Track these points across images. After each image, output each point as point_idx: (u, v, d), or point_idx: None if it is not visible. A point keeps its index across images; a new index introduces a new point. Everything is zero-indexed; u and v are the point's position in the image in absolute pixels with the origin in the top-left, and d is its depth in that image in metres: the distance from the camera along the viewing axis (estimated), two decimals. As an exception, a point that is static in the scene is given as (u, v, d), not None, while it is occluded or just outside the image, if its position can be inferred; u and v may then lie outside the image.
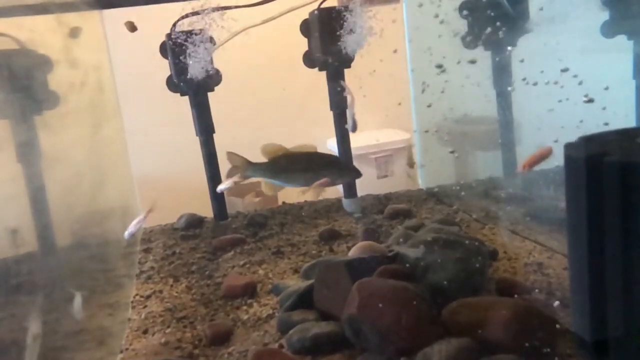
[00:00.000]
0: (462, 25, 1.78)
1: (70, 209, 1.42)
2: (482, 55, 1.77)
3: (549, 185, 1.58)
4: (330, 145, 3.58)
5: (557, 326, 0.94)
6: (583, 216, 0.66)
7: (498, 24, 1.64)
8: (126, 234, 1.13)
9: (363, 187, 2.02)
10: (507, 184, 1.77)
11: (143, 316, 1.30)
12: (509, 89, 1.72)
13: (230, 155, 1.38)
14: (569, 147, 0.68)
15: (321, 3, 1.80)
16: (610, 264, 0.65)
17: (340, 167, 1.29)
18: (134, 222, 1.15)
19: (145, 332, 1.23)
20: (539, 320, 0.95)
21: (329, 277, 1.16)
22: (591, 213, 0.65)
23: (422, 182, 2.24)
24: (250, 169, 1.34)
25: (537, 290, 1.12)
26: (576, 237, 0.68)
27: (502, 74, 1.76)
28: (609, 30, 1.50)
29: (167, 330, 1.22)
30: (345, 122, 1.92)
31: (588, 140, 0.70)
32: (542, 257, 1.28)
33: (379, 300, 0.97)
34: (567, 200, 0.69)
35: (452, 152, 1.67)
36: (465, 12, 1.80)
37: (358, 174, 1.34)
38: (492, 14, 1.66)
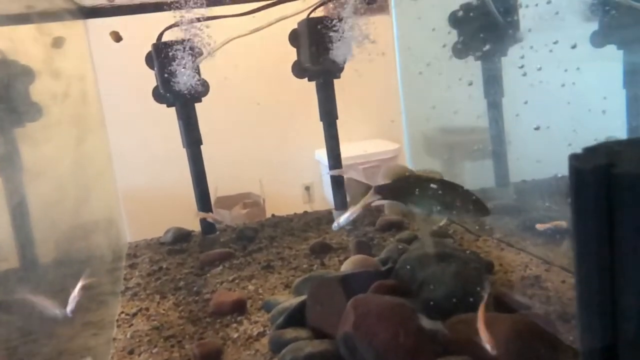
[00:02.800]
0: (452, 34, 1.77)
1: (53, 223, 1.37)
2: (473, 65, 1.76)
3: (543, 195, 1.56)
4: (318, 156, 3.56)
5: (559, 343, 0.92)
6: (590, 230, 0.63)
7: (488, 33, 1.63)
8: (68, 310, 1.08)
9: (352, 198, 1.99)
10: (500, 195, 1.75)
11: (129, 335, 1.26)
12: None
13: (351, 182, 1.26)
14: (574, 158, 0.65)
15: (310, 13, 1.78)
16: (619, 279, 0.62)
17: (473, 201, 1.08)
18: (72, 297, 1.09)
19: (131, 352, 1.18)
20: (540, 337, 0.92)
21: (322, 293, 1.13)
22: (599, 227, 0.62)
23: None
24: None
25: (536, 305, 1.09)
26: (583, 251, 0.65)
27: (492, 83, 1.75)
28: (598, 40, 1.50)
29: (154, 350, 1.17)
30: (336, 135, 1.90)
31: (593, 151, 0.67)
32: (539, 269, 1.26)
33: (375, 317, 0.93)
34: (573, 213, 0.66)
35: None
36: (455, 22, 1.80)
37: (487, 212, 1.12)
38: (482, 23, 1.65)
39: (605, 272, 0.63)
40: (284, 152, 3.62)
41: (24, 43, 1.48)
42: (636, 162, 0.62)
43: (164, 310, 1.38)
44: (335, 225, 1.31)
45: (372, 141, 3.71)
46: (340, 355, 0.97)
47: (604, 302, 0.64)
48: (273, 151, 3.56)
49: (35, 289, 1.15)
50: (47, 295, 1.13)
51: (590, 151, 0.68)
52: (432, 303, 1.04)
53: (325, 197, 3.66)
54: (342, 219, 1.25)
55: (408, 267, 1.14)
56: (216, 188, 2.94)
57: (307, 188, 3.80)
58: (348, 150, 2.87)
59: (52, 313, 1.02)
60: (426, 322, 0.90)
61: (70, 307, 1.07)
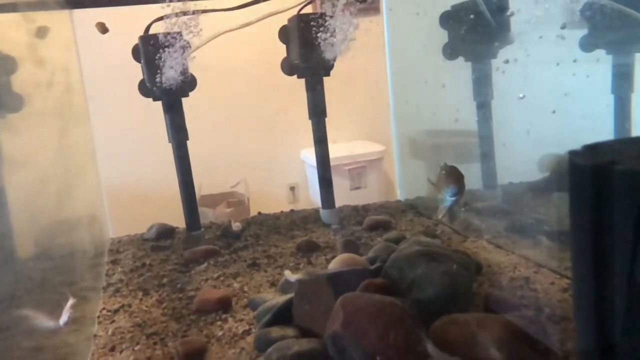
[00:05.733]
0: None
1: (33, 217, 1.33)
2: (463, 66, 1.76)
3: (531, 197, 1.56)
4: (304, 156, 3.54)
5: (543, 347, 0.91)
6: (590, 229, 0.62)
7: (479, 34, 1.63)
8: (61, 322, 1.08)
9: (336, 198, 1.97)
10: (488, 196, 1.75)
11: (110, 332, 1.22)
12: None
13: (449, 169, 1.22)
14: (574, 154, 0.64)
15: (301, 9, 1.76)
16: (618, 278, 0.61)
17: None
18: (65, 309, 1.10)
19: (112, 349, 1.15)
20: (531, 338, 0.91)
21: (309, 291, 1.11)
22: (599, 225, 0.61)
23: (400, 193, 2.21)
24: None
25: (525, 306, 1.09)
26: (581, 251, 0.64)
27: (482, 85, 1.74)
28: (587, 44, 1.50)
29: (136, 347, 1.14)
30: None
31: (593, 149, 0.66)
32: (528, 271, 1.25)
33: (365, 316, 0.91)
34: (572, 212, 0.65)
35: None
36: (446, 23, 1.79)
37: None
38: (473, 24, 1.65)
39: (604, 271, 0.62)
40: (269, 151, 3.60)
41: (6, 32, 1.44)
42: (637, 159, 0.61)
43: (146, 307, 1.35)
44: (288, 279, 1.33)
45: (358, 142, 3.70)
46: (328, 354, 0.95)
47: (602, 301, 0.63)
48: (258, 150, 3.54)
49: (13, 283, 1.12)
50: (27, 290, 1.10)
51: (590, 149, 0.67)
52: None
53: (310, 197, 3.64)
54: (293, 278, 1.30)
55: (397, 266, 1.13)
56: (200, 186, 2.91)
57: (292, 188, 3.78)
58: (333, 150, 2.88)
59: (46, 325, 1.03)
60: (434, 352, 0.87)
61: (63, 319, 1.07)
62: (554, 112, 1.24)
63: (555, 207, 1.32)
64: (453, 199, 1.18)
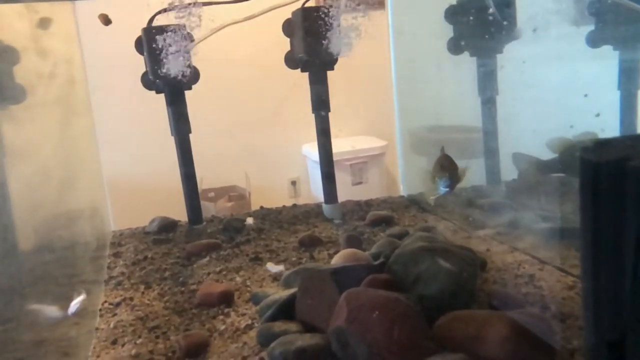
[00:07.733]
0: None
1: (35, 208, 1.33)
2: (468, 62, 1.74)
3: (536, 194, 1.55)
4: (305, 151, 3.54)
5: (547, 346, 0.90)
6: (601, 226, 0.61)
7: (485, 29, 1.62)
8: (70, 312, 1.10)
9: (337, 193, 1.96)
10: (491, 193, 1.74)
11: (112, 325, 1.22)
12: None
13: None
14: (585, 150, 0.63)
15: (305, 2, 1.75)
16: (629, 277, 0.60)
17: None
18: (74, 302, 1.14)
19: (114, 342, 1.14)
20: (536, 336, 0.90)
21: (313, 286, 1.10)
22: (610, 222, 0.61)
23: (403, 189, 2.20)
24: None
25: (530, 304, 1.08)
26: (592, 248, 0.63)
27: (487, 80, 1.73)
28: (594, 39, 1.49)
29: (138, 341, 1.14)
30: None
31: (603, 145, 0.65)
32: (532, 268, 1.24)
33: (369, 312, 0.91)
34: (582, 208, 0.64)
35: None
36: (451, 17, 1.78)
37: None
38: (479, 19, 1.63)
39: (614, 267, 0.62)
40: (271, 145, 3.59)
41: (8, 22, 1.44)
42: (650, 156, 0.61)
43: (148, 300, 1.34)
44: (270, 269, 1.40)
45: (360, 137, 3.70)
46: (331, 349, 0.94)
47: (611, 298, 0.63)
48: (260, 145, 3.53)
49: (15, 274, 1.11)
50: (28, 282, 1.09)
51: (600, 145, 0.66)
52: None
53: (311, 192, 3.63)
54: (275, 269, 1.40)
55: (401, 262, 1.12)
56: (201, 180, 2.91)
57: (294, 183, 3.77)
58: (335, 145, 2.87)
59: (54, 315, 1.06)
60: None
61: (71, 310, 1.08)
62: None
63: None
64: (446, 190, 1.22)
